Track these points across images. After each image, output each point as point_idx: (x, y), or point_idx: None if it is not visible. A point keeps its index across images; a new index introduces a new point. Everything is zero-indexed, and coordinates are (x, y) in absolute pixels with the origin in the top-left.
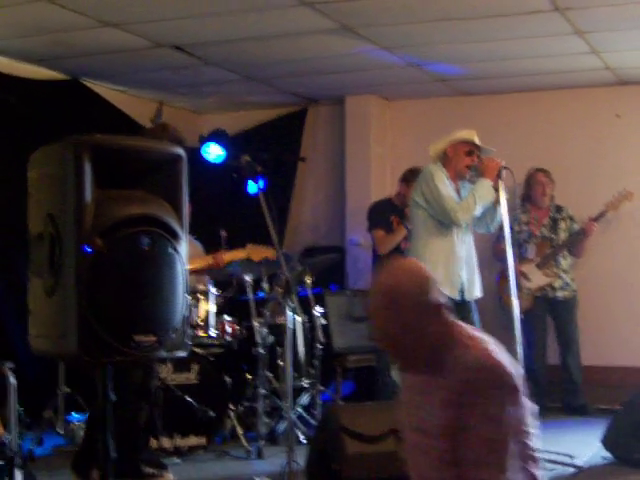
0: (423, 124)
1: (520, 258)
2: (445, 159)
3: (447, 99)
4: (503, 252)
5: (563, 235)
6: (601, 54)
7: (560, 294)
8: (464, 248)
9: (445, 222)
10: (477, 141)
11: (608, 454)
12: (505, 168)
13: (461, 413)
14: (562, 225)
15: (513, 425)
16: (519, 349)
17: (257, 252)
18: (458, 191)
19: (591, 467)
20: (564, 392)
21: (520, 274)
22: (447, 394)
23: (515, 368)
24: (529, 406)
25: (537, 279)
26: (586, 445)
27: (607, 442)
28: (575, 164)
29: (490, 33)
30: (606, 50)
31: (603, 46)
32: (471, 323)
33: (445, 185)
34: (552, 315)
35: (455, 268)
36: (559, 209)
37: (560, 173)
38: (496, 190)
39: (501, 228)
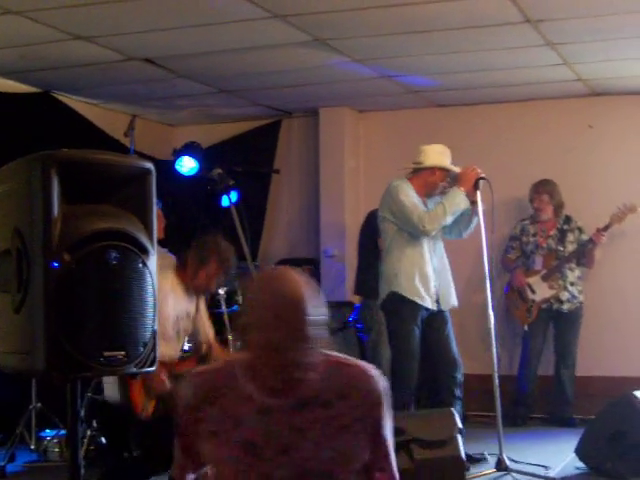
0: (396, 136)
1: (527, 269)
2: (423, 174)
3: (420, 110)
4: (512, 263)
5: (571, 247)
6: (573, 65)
7: (565, 307)
8: (436, 258)
9: (414, 234)
10: (452, 167)
11: (582, 464)
12: (482, 179)
13: None
14: (570, 237)
15: None
16: (495, 360)
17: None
18: (425, 204)
19: (564, 477)
20: (553, 403)
21: (526, 286)
22: None
23: None
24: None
25: (542, 291)
26: (564, 455)
27: (581, 452)
28: (547, 174)
29: (462, 45)
30: (578, 62)
31: (575, 58)
32: (445, 334)
33: (410, 197)
34: (554, 325)
35: (429, 279)
36: (568, 220)
37: (532, 183)
38: (473, 202)
39: (511, 238)
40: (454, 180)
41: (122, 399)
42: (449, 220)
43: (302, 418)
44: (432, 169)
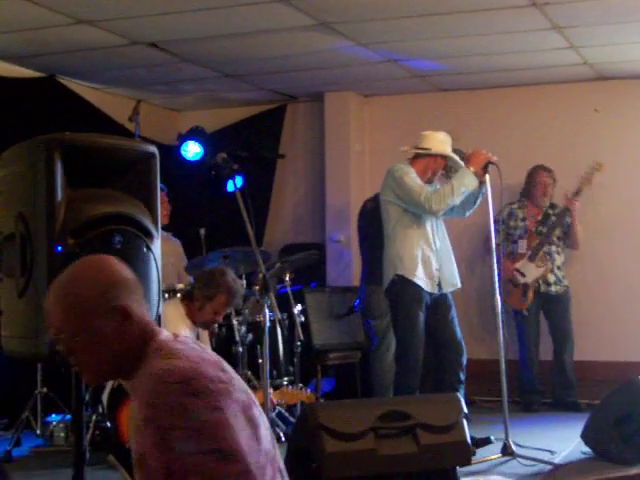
0: (402, 120)
1: (513, 254)
2: (423, 160)
3: (425, 95)
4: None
5: (558, 231)
6: (579, 49)
7: (553, 289)
8: (438, 239)
9: (421, 214)
10: (453, 155)
11: (588, 449)
12: (492, 163)
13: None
14: (554, 219)
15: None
16: (502, 345)
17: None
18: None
19: (570, 462)
20: (556, 388)
21: (515, 271)
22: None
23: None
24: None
25: (531, 272)
26: (570, 440)
27: (587, 437)
28: (554, 159)
29: (468, 29)
30: (584, 45)
31: (581, 41)
32: (449, 319)
33: (413, 178)
34: (545, 311)
35: (432, 261)
36: (552, 206)
37: (533, 167)
38: (481, 183)
39: (496, 222)
40: (463, 160)
41: (111, 429)
42: (457, 200)
43: None
44: (435, 157)
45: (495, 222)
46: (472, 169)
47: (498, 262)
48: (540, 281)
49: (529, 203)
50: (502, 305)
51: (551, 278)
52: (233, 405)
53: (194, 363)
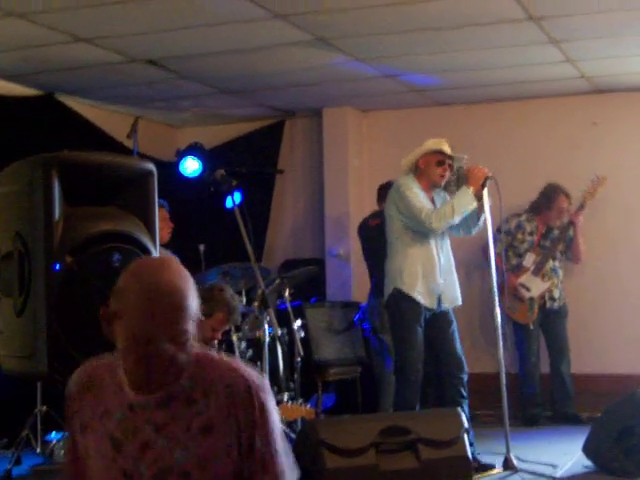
0: (400, 135)
1: (518, 268)
2: (417, 171)
3: (423, 109)
4: (497, 258)
5: (561, 246)
6: (576, 63)
7: (557, 304)
8: (443, 255)
9: (421, 231)
10: (447, 150)
11: (589, 462)
12: (490, 178)
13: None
14: (556, 232)
15: None
16: (501, 357)
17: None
18: (432, 200)
19: (572, 476)
20: (556, 401)
21: (519, 286)
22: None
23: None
24: None
25: (537, 286)
26: (571, 454)
27: (588, 450)
28: (552, 172)
29: (465, 43)
30: (581, 59)
31: (578, 55)
32: (450, 334)
33: (416, 194)
34: (543, 324)
35: (434, 277)
36: None
37: (536, 181)
38: (480, 199)
39: (498, 230)
40: (462, 179)
41: None
42: (457, 220)
43: (164, 415)
44: (424, 157)
45: (498, 230)
46: (471, 188)
47: (498, 273)
48: (546, 296)
49: (538, 218)
50: (503, 318)
51: (556, 293)
52: None
53: None
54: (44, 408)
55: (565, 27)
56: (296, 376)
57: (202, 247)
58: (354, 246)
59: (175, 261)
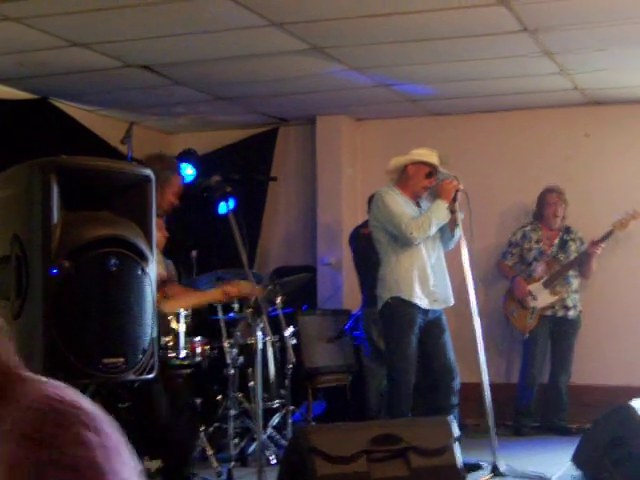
0: (394, 144)
1: (528, 277)
2: (404, 176)
3: (417, 119)
4: (509, 269)
5: (574, 257)
6: (569, 74)
7: (571, 313)
8: (434, 255)
9: (400, 238)
10: (438, 163)
11: (579, 473)
12: (460, 191)
13: None
14: (572, 246)
15: None
16: (482, 364)
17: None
18: (418, 204)
19: None
20: (549, 411)
21: (527, 293)
22: None
23: None
24: None
25: (543, 297)
26: (560, 464)
27: (577, 460)
28: (544, 183)
29: (460, 54)
30: (574, 71)
31: (571, 67)
32: (442, 342)
33: (397, 203)
34: (554, 333)
35: (428, 278)
36: (568, 230)
37: (530, 192)
38: (453, 212)
39: (510, 244)
40: (434, 193)
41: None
42: (433, 230)
43: None
44: (415, 165)
45: (509, 245)
46: (445, 202)
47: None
48: (557, 305)
49: (542, 225)
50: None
51: (569, 302)
52: None
53: None
54: None
55: (559, 39)
56: (287, 383)
57: (194, 253)
58: (346, 255)
59: None
